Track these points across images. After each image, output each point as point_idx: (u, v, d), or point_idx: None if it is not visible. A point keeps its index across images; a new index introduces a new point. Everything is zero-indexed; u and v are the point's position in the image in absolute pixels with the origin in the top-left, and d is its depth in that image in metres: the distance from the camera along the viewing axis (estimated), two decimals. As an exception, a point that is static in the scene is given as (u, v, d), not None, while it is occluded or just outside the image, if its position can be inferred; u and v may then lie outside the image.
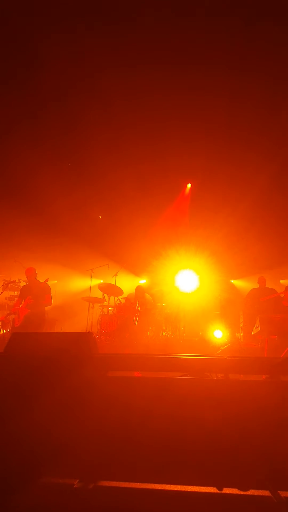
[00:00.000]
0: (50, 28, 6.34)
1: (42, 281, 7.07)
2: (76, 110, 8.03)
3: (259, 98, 7.52)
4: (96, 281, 9.92)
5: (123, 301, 8.90)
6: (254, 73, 7.14)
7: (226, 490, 1.84)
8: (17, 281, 9.15)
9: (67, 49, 6.73)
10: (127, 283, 10.44)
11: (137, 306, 7.64)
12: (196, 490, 1.84)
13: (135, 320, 7.39)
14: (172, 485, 1.86)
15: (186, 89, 7.57)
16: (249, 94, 7.46)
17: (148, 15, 6.26)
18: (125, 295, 9.01)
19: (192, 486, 1.86)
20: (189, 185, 11.08)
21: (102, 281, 10.08)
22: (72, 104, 7.92)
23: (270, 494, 1.83)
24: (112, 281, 9.45)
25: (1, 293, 8.42)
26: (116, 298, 9.26)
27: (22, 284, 9.57)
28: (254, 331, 7.08)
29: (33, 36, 6.43)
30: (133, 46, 6.80)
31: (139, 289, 8.13)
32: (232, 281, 11.21)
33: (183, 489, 1.84)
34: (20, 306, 6.99)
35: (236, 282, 11.21)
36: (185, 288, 9.52)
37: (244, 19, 6.26)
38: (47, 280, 7.09)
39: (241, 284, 11.06)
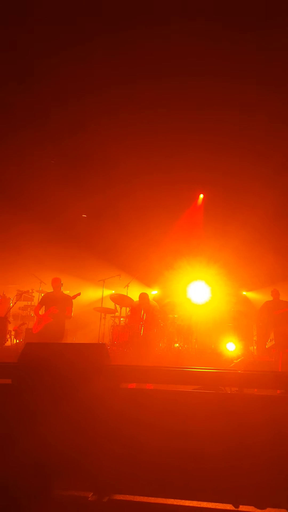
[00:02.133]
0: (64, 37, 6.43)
1: (71, 295, 7.06)
2: (90, 119, 8.09)
3: (271, 112, 7.54)
4: (108, 292, 9.95)
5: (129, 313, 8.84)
6: (266, 85, 7.18)
7: (243, 508, 1.80)
8: (30, 291, 9.24)
9: (84, 57, 6.80)
10: (139, 294, 10.41)
11: (143, 314, 7.49)
12: (212, 507, 1.80)
13: (141, 328, 7.25)
14: (187, 501, 1.83)
15: (200, 103, 7.64)
16: (261, 108, 7.50)
17: (159, 29, 6.33)
18: (133, 306, 8.96)
19: (208, 502, 1.82)
20: (201, 196, 11.09)
21: (114, 291, 10.10)
22: (85, 112, 7.96)
23: (287, 513, 1.78)
24: (123, 291, 9.45)
25: (15, 303, 8.51)
26: (127, 309, 9.24)
27: (36, 294, 9.65)
28: (268, 344, 6.97)
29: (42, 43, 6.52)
30: (147, 56, 6.86)
31: (143, 295, 7.94)
32: (244, 293, 11.07)
33: (198, 505, 1.81)
34: (40, 312, 6.98)
35: (249, 294, 11.06)
36: (197, 299, 9.44)
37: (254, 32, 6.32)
38: (78, 294, 7.04)
39: (254, 296, 10.90)
